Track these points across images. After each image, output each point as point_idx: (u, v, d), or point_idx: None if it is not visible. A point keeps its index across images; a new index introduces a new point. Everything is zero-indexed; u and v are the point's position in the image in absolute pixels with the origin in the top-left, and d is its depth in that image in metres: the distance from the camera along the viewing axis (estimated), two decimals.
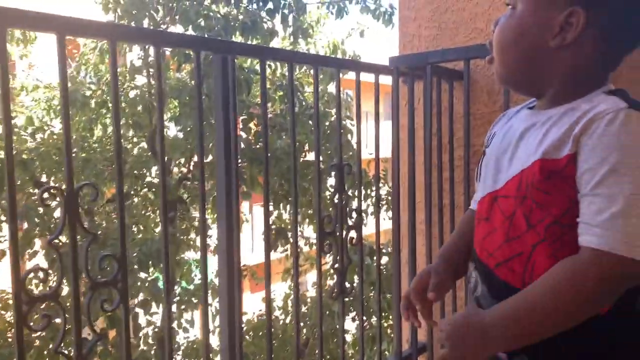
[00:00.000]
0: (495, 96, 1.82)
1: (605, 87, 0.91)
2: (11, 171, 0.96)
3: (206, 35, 5.32)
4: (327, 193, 5.36)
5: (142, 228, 6.44)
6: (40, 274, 1.08)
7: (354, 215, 1.72)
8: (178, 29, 6.39)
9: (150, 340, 6.04)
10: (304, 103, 5.80)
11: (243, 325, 1.62)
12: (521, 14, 0.92)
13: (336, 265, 1.64)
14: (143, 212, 6.54)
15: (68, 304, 1.11)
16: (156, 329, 5.96)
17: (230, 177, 1.38)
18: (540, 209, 0.87)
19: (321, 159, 1.73)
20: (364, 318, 2.21)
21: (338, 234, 1.66)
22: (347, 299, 1.79)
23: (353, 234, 1.68)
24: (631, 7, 0.88)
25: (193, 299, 5.90)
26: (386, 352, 4.38)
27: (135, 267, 5.12)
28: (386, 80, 1.74)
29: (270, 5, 5.97)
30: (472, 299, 1.01)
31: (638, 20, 0.89)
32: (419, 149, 1.84)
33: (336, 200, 1.65)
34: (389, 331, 5.21)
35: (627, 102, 0.84)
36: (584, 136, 0.83)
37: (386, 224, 2.59)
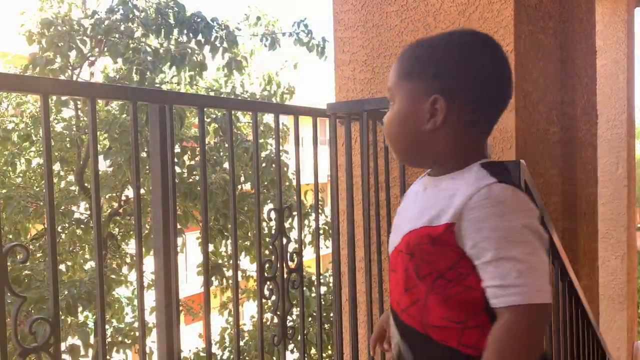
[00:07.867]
0: None
1: (483, 158, 1.04)
2: None
3: (135, 68, 5.20)
4: (264, 224, 5.32)
5: (69, 264, 6.13)
6: None
7: (295, 257, 1.72)
8: (107, 60, 6.24)
9: None
10: (239, 136, 5.77)
11: None
12: (399, 108, 1.06)
13: (277, 313, 1.63)
14: (71, 248, 6.24)
15: None
16: None
17: (167, 221, 1.36)
18: (427, 264, 1.01)
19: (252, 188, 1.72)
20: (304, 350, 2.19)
21: (278, 277, 1.65)
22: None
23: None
24: (479, 78, 1.01)
25: (126, 339, 5.64)
26: None
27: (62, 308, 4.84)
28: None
29: (200, 37, 5.92)
30: (394, 345, 1.12)
31: (490, 87, 1.03)
32: (356, 187, 1.87)
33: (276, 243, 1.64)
34: None
35: (495, 176, 0.98)
36: (465, 210, 0.96)
37: (324, 250, 2.58)
